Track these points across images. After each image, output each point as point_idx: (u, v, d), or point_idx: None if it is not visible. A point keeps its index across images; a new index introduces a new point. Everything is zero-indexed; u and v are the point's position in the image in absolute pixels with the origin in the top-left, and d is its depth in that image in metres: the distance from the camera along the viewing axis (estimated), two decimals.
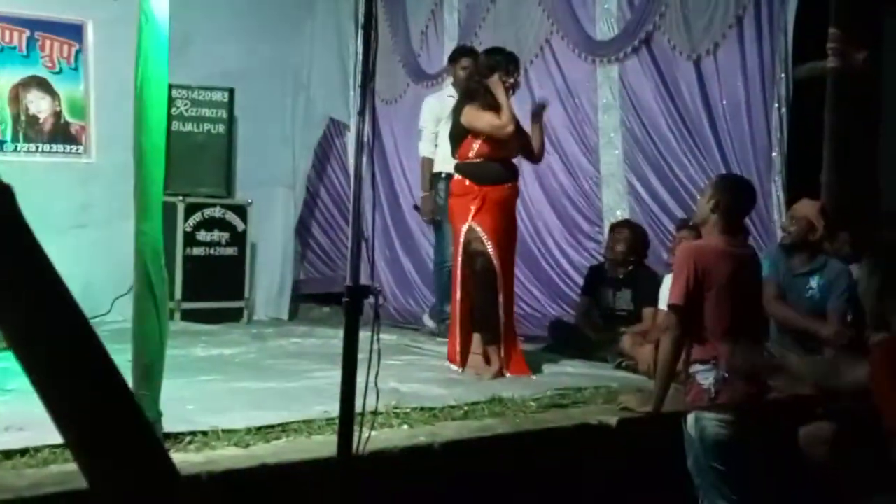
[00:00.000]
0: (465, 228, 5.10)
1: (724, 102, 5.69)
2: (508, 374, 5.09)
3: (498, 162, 5.17)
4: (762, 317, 4.22)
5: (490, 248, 5.09)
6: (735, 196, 3.88)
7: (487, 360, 5.15)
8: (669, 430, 3.84)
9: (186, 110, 7.02)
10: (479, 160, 5.14)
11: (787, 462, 4.13)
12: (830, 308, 4.87)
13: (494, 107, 5.08)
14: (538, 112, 5.27)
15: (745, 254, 3.94)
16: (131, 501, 1.42)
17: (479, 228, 5.08)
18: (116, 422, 1.43)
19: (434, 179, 6.40)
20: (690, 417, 3.70)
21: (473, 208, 5.08)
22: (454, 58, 6.26)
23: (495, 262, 5.09)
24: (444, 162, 6.00)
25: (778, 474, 3.96)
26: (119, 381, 1.47)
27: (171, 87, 6.64)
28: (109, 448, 1.42)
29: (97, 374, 1.45)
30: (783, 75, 5.36)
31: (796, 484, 4.14)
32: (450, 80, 6.63)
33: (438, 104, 6.40)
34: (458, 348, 5.20)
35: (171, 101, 6.77)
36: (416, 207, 6.93)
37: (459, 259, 5.16)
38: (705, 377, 3.68)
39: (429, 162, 6.44)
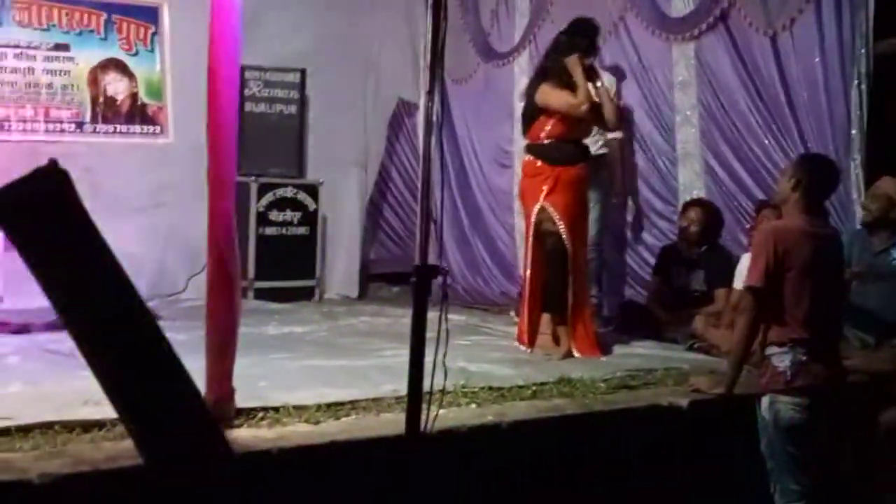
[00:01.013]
0: (536, 208, 5.11)
1: (803, 79, 5.55)
2: (578, 355, 5.07)
3: (570, 142, 5.14)
4: (844, 299, 4.12)
5: (562, 228, 5.09)
6: (818, 176, 3.80)
7: (556, 341, 5.13)
8: (741, 412, 3.80)
9: (259, 91, 7.10)
10: (550, 140, 5.11)
11: (862, 447, 4.06)
12: None
13: (570, 86, 5.07)
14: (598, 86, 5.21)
15: (826, 234, 3.86)
16: (185, 477, 1.45)
17: (551, 209, 5.08)
18: (166, 397, 1.46)
19: None
20: (765, 400, 3.66)
21: (546, 188, 5.09)
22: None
23: (567, 241, 5.09)
24: None
25: (851, 459, 3.89)
26: (171, 358, 1.50)
27: (243, 68, 6.76)
28: (159, 423, 1.45)
29: (147, 348, 1.48)
30: (863, 51, 5.21)
31: (867, 469, 4.06)
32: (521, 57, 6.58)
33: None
34: (527, 328, 5.20)
35: (243, 83, 6.85)
36: None
37: (531, 239, 5.17)
38: (781, 360, 3.63)
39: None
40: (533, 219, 5.14)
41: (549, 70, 5.18)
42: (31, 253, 1.42)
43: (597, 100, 5.16)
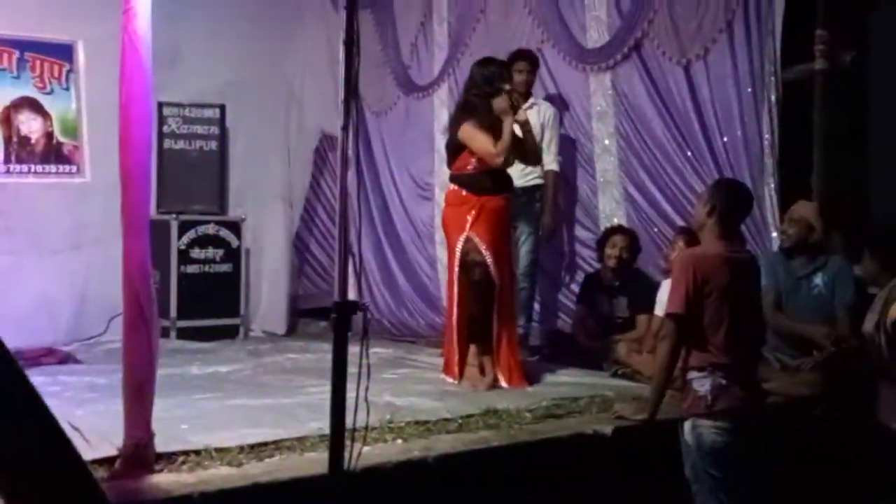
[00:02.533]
0: (462, 238, 5.10)
1: (716, 107, 5.67)
2: (505, 385, 5.07)
3: (494, 173, 5.16)
4: (763, 323, 4.18)
5: (488, 258, 5.09)
6: (731, 200, 3.87)
7: (483, 371, 5.14)
8: (665, 437, 3.83)
9: (178, 128, 7.02)
10: (475, 170, 5.14)
11: (786, 466, 4.12)
12: (839, 301, 4.92)
13: (493, 127, 5.08)
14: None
15: (743, 259, 3.93)
16: None
17: (476, 239, 5.08)
18: (37, 446, 1.41)
19: None
20: (687, 424, 3.69)
21: (470, 218, 5.09)
22: (511, 60, 6.10)
23: (493, 271, 5.10)
24: None
25: (776, 479, 3.94)
26: (43, 411, 1.45)
27: (162, 105, 6.72)
28: (31, 474, 1.41)
29: (16, 403, 1.42)
30: (773, 78, 5.36)
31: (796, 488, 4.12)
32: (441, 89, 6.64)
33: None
34: (455, 359, 5.19)
35: (162, 119, 6.79)
36: None
37: (455, 269, 5.16)
38: (702, 384, 3.67)
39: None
40: (458, 248, 5.13)
41: (474, 107, 5.17)
42: None
43: (519, 135, 5.20)
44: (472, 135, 5.09)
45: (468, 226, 5.09)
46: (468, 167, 5.14)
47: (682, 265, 3.79)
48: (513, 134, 5.12)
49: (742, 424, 3.65)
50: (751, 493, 3.69)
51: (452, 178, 5.26)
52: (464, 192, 5.15)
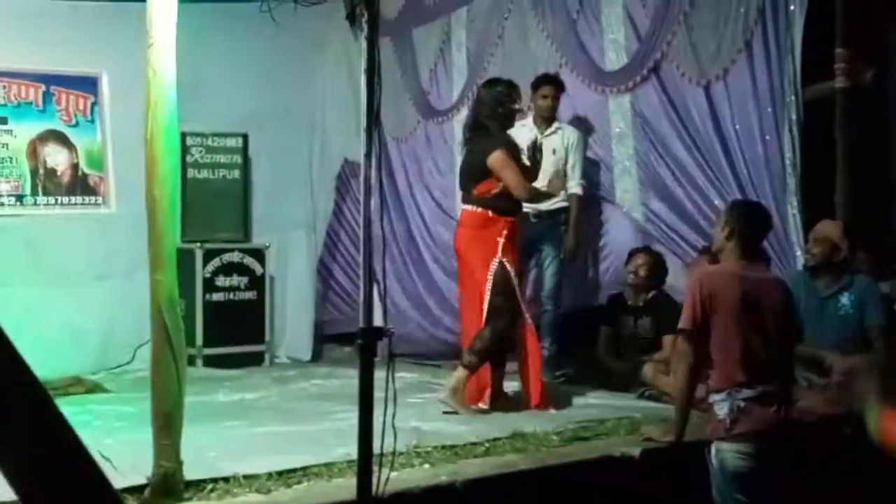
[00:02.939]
0: (495, 262, 5.02)
1: (737, 127, 5.67)
2: (533, 408, 5.04)
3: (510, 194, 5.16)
4: (792, 341, 3.96)
5: (515, 282, 5.08)
6: (748, 222, 3.86)
7: (496, 396, 5.13)
8: (694, 459, 3.81)
9: (201, 157, 7.10)
10: (499, 193, 5.11)
11: (815, 486, 4.07)
12: (870, 323, 4.84)
13: (515, 152, 5.13)
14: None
15: (760, 277, 3.88)
16: None
17: (507, 263, 5.05)
18: (70, 481, 1.43)
19: None
20: (712, 448, 3.66)
21: (501, 241, 5.05)
22: (535, 85, 6.21)
23: (519, 295, 5.10)
24: None
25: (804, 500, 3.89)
26: (73, 440, 1.47)
27: (185, 135, 6.79)
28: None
29: (48, 432, 1.44)
30: (793, 97, 5.35)
31: None
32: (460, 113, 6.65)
33: (514, 135, 6.38)
34: (488, 385, 5.13)
35: (185, 149, 6.85)
36: None
37: (487, 293, 5.03)
38: (721, 407, 3.63)
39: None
40: (492, 271, 5.01)
41: (487, 129, 5.14)
42: None
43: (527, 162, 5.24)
44: (504, 164, 5.04)
45: (500, 249, 5.05)
46: (493, 190, 5.11)
47: (691, 282, 3.81)
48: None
49: (766, 447, 3.59)
50: None
51: (477, 201, 5.16)
52: (490, 214, 5.10)
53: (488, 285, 5.03)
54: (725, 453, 3.59)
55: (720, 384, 3.66)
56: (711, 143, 5.75)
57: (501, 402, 5.10)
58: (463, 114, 7.06)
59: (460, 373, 5.02)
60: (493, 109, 5.18)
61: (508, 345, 5.15)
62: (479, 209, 5.14)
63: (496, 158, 5.05)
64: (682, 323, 3.74)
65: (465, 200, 5.25)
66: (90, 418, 4.78)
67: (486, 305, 5.02)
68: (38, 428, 1.43)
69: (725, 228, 3.82)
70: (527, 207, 6.07)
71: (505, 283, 5.03)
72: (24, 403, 1.43)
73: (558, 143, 6.13)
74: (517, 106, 5.21)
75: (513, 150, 5.15)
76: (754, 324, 3.69)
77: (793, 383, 3.95)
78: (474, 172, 5.18)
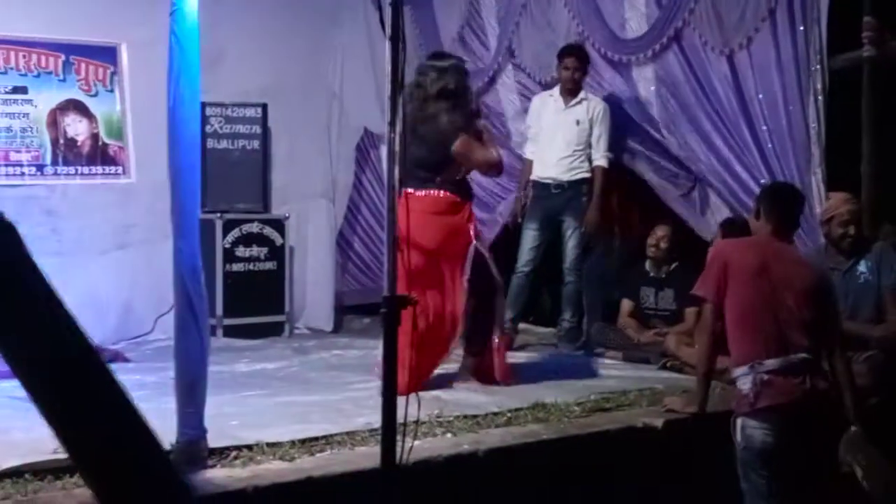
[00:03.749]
0: (471, 248, 4.84)
1: (760, 96, 5.61)
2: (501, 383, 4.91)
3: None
4: (827, 317, 3.82)
5: (490, 257, 4.97)
6: (773, 203, 3.83)
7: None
8: (716, 431, 3.80)
9: (221, 127, 7.08)
10: (462, 178, 4.96)
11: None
12: (885, 284, 4.75)
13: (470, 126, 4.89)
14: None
15: (783, 247, 3.83)
16: None
17: (480, 245, 4.93)
18: (125, 446, 1.43)
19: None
20: (737, 423, 3.62)
21: (472, 226, 4.90)
22: (559, 56, 6.17)
23: (494, 268, 4.97)
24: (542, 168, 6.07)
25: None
26: (128, 406, 1.47)
27: (204, 105, 6.77)
28: (118, 472, 1.43)
29: (102, 400, 1.45)
30: (818, 67, 5.28)
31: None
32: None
33: (540, 104, 6.33)
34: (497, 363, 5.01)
35: (205, 119, 6.83)
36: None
37: (465, 278, 4.81)
38: (744, 382, 3.59)
39: (530, 164, 6.32)
40: (469, 257, 4.82)
41: (457, 117, 4.83)
42: None
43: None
44: (470, 148, 4.80)
45: (472, 235, 4.87)
46: (457, 176, 4.89)
47: (711, 254, 3.79)
48: None
49: (790, 420, 3.54)
50: (801, 493, 3.61)
51: (445, 185, 4.83)
52: (458, 199, 4.87)
53: (466, 276, 4.81)
54: (750, 429, 3.56)
55: (742, 357, 3.63)
56: (734, 113, 5.70)
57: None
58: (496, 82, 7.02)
59: (472, 360, 4.99)
60: (452, 83, 4.84)
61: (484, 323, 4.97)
62: (447, 193, 4.84)
63: (461, 145, 4.77)
64: (703, 293, 3.71)
65: (425, 185, 4.80)
66: None
67: (465, 293, 4.80)
68: (96, 391, 1.43)
69: (760, 216, 3.81)
70: (547, 178, 6.06)
71: (482, 265, 4.88)
72: (80, 367, 1.44)
73: (582, 115, 6.09)
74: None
75: (473, 126, 4.88)
76: (775, 295, 3.63)
77: (821, 357, 3.84)
78: (435, 161, 4.80)
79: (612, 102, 6.32)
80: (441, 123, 4.79)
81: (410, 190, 4.46)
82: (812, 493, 3.67)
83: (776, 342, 3.61)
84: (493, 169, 4.97)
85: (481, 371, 4.99)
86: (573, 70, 6.08)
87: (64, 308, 1.46)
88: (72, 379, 1.42)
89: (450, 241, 4.83)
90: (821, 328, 3.72)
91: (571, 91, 6.14)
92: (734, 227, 5.23)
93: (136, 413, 1.45)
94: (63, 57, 6.68)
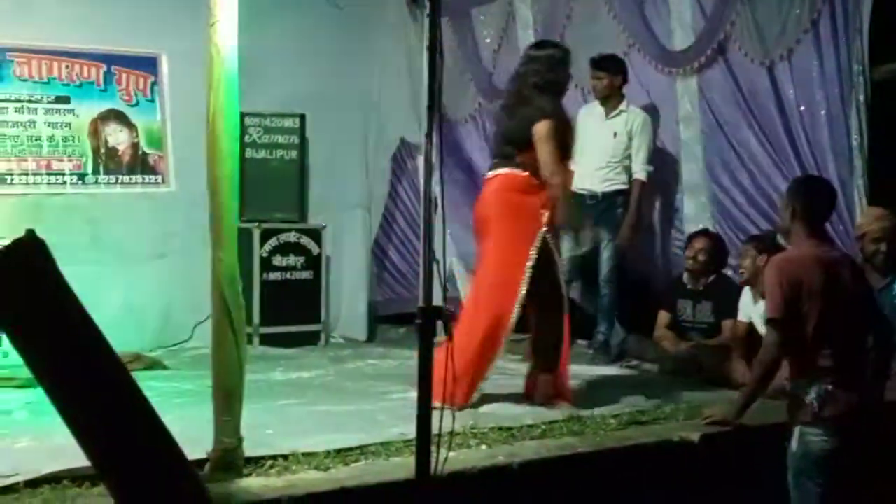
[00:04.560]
0: (538, 238, 4.61)
1: (802, 108, 5.57)
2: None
3: None
4: (880, 323, 3.83)
5: (558, 262, 4.77)
6: (809, 197, 3.75)
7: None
8: (753, 445, 3.76)
9: (259, 137, 7.14)
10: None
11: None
12: None
13: (561, 126, 4.74)
14: None
15: (837, 258, 3.78)
16: None
17: (550, 241, 4.67)
18: (142, 448, 1.45)
19: None
20: (795, 431, 3.56)
21: (546, 214, 4.64)
22: (590, 67, 6.12)
23: (561, 279, 4.77)
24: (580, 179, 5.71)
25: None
26: (147, 411, 1.49)
27: (243, 115, 6.80)
28: (137, 483, 1.44)
29: (124, 405, 1.46)
30: (861, 78, 5.23)
31: None
32: None
33: (585, 115, 6.19)
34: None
35: (243, 129, 6.88)
36: None
37: (527, 274, 4.58)
38: (808, 392, 3.55)
39: (571, 175, 6.23)
40: (536, 248, 4.59)
41: (547, 104, 4.73)
42: (7, 321, 1.42)
43: None
44: (547, 136, 4.61)
45: (544, 221, 4.64)
46: (537, 161, 4.69)
47: (772, 270, 3.67)
48: None
49: (851, 432, 3.52)
50: (852, 502, 3.56)
51: (525, 165, 4.68)
52: (536, 181, 4.65)
53: (530, 262, 4.59)
54: (810, 437, 3.50)
55: (805, 369, 3.57)
56: (775, 125, 5.66)
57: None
58: None
59: (544, 378, 4.72)
60: (545, 73, 4.80)
61: (551, 335, 4.75)
62: (526, 173, 4.68)
63: (542, 126, 4.61)
64: (771, 312, 3.62)
65: (504, 165, 4.74)
66: (149, 395, 4.72)
67: (524, 286, 4.57)
68: (120, 402, 1.45)
69: (788, 208, 3.72)
70: (583, 190, 6.02)
71: (549, 263, 4.65)
72: (105, 378, 1.46)
73: (620, 127, 6.05)
74: (570, 73, 4.97)
75: (560, 124, 4.71)
76: (838, 307, 3.58)
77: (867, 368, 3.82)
78: (519, 139, 4.71)
79: (655, 114, 6.29)
80: (532, 104, 4.73)
81: (491, 173, 4.77)
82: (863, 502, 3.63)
83: (844, 354, 3.58)
84: (547, 170, 4.61)
85: (556, 388, 4.73)
86: (599, 80, 6.04)
87: (89, 319, 1.48)
88: (95, 390, 1.44)
89: (520, 221, 4.64)
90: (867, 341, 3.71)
91: (609, 102, 6.10)
92: (764, 243, 5.20)
93: (159, 425, 1.46)
94: (104, 67, 6.77)
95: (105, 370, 1.47)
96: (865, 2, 5.20)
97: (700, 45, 5.97)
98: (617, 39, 6.41)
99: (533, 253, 4.60)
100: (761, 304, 5.03)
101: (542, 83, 4.79)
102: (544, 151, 4.61)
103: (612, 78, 6.07)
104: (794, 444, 3.56)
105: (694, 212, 6.15)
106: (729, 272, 5.80)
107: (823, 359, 3.55)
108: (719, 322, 5.59)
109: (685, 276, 5.85)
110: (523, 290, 4.58)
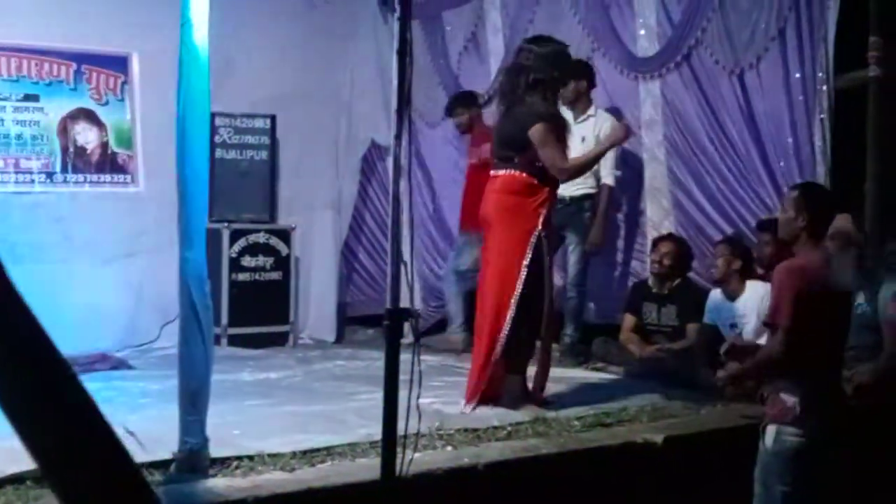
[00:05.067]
0: (535, 234, 4.63)
1: (767, 115, 5.63)
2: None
3: None
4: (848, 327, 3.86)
5: (548, 264, 4.75)
6: (824, 208, 3.73)
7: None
8: (716, 447, 3.81)
9: (230, 138, 7.12)
10: (543, 165, 4.74)
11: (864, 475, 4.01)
12: (881, 316, 4.60)
13: (559, 127, 4.78)
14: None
15: (834, 266, 3.82)
16: None
17: (545, 243, 4.68)
18: (90, 449, 1.46)
19: None
20: (771, 429, 3.55)
21: (543, 213, 4.67)
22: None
23: (549, 279, 4.77)
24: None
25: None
26: (94, 412, 1.50)
27: (213, 115, 6.80)
28: (83, 476, 1.45)
29: (68, 404, 1.47)
30: (825, 87, 5.31)
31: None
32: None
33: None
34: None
35: (214, 130, 6.88)
36: None
37: (524, 273, 4.62)
38: (792, 393, 3.57)
39: None
40: (531, 243, 4.61)
41: (543, 105, 4.75)
42: None
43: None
44: (544, 140, 4.64)
45: (540, 221, 4.65)
46: (537, 162, 4.71)
47: (787, 277, 3.59)
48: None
49: (828, 434, 3.53)
50: None
51: (521, 166, 4.71)
52: (535, 181, 4.69)
53: (526, 261, 4.62)
54: (787, 436, 3.50)
55: (796, 370, 3.55)
56: (741, 131, 5.73)
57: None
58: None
59: (512, 379, 4.73)
60: (545, 71, 4.75)
61: (527, 337, 4.77)
62: (524, 174, 4.71)
63: (536, 132, 4.64)
64: (782, 319, 3.55)
65: (504, 166, 4.78)
66: (115, 395, 4.83)
67: (520, 285, 4.61)
68: (60, 402, 1.46)
69: (802, 215, 3.63)
70: None
71: (540, 262, 4.67)
72: (45, 377, 1.46)
73: (588, 132, 6.08)
74: (568, 70, 4.96)
75: (556, 122, 4.75)
76: (836, 315, 3.63)
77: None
78: (517, 141, 4.73)
79: (619, 118, 6.34)
80: (524, 104, 4.75)
81: (493, 173, 4.81)
82: None
83: (829, 359, 3.63)
84: (557, 171, 4.69)
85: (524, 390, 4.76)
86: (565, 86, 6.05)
87: (31, 315, 1.48)
88: (37, 389, 1.44)
89: (517, 221, 4.68)
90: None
91: (577, 106, 6.13)
92: (737, 246, 5.28)
93: (103, 423, 1.47)
94: (74, 66, 6.74)
95: (45, 367, 1.47)
96: (831, 11, 5.27)
97: (667, 50, 6.02)
98: (581, 43, 6.46)
99: (529, 252, 4.64)
100: (746, 302, 5.11)
101: (538, 80, 4.77)
102: (546, 155, 4.68)
103: (576, 83, 6.07)
104: (768, 441, 3.55)
105: (657, 216, 6.21)
106: (691, 275, 5.86)
107: (813, 363, 3.56)
108: (684, 325, 5.65)
109: (650, 280, 5.90)
110: (519, 289, 4.62)
